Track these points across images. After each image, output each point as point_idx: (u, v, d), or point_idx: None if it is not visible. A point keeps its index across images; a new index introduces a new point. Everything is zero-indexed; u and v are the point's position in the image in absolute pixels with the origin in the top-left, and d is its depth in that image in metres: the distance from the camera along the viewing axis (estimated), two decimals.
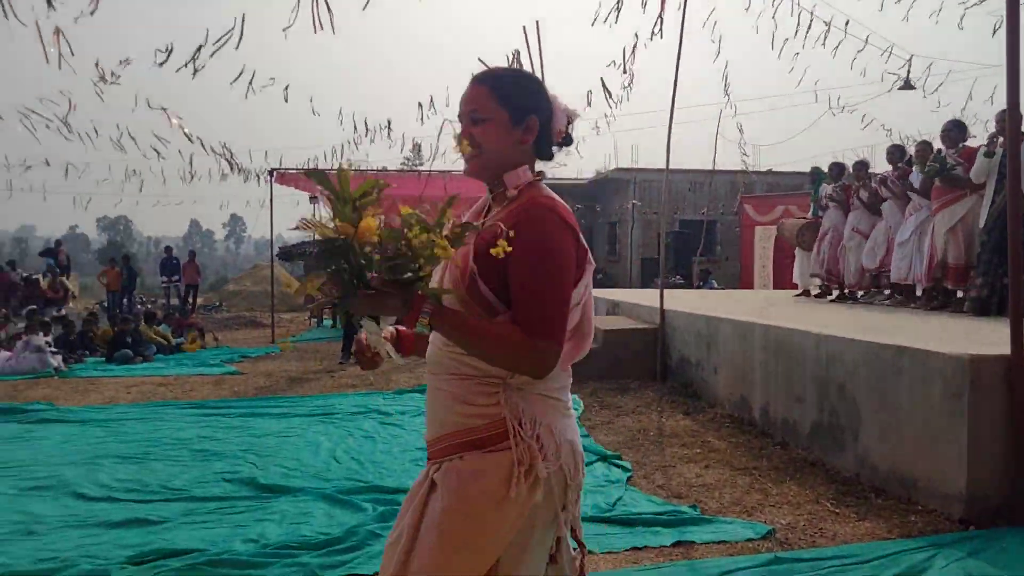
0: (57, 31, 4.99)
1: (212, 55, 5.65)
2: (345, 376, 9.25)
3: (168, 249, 21.00)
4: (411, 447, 5.72)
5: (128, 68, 6.86)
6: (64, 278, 19.19)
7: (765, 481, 4.61)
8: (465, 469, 1.59)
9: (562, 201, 1.66)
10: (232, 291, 24.49)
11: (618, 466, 5.05)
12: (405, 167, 17.11)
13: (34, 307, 13.98)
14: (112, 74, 6.31)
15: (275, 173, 13.26)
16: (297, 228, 1.60)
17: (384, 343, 1.63)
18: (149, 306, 17.89)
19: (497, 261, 1.48)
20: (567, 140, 1.77)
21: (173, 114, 8.36)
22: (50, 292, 17.86)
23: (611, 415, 6.47)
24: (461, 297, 1.58)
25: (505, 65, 2.14)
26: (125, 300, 18.57)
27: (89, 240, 78.72)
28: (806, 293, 9.83)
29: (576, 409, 6.64)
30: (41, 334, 10.54)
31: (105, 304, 18.65)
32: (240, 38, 5.03)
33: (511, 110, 1.65)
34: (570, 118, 1.75)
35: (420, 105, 7.82)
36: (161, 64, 5.68)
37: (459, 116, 1.69)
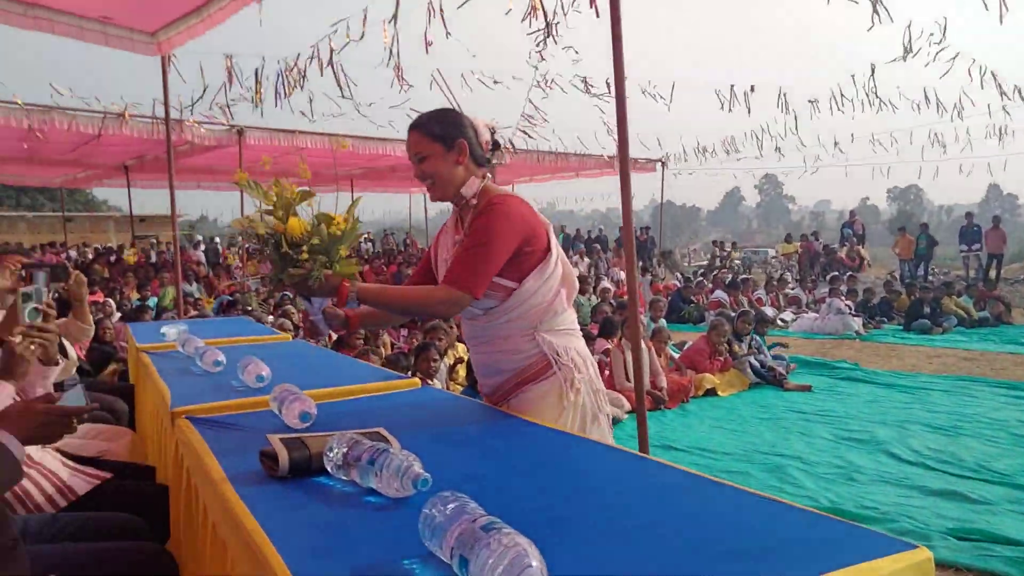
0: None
1: None
2: None
3: (969, 216, 19.51)
4: None
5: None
6: (860, 247, 20.13)
7: None
8: (533, 397, 2.10)
9: (514, 194, 2.12)
10: None
11: None
12: None
13: (836, 273, 15.09)
14: None
15: None
16: (231, 226, 1.91)
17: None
18: (943, 276, 17.09)
19: None
20: (495, 145, 2.18)
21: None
22: (847, 260, 19.00)
23: None
24: None
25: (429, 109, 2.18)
26: (920, 269, 18.23)
27: (879, 211, 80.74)
28: None
29: None
30: (843, 298, 11.29)
31: (896, 273, 18.70)
32: None
33: (442, 141, 2.05)
34: (492, 129, 2.17)
35: None
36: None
37: (409, 160, 2.11)
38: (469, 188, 2.10)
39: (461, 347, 6.41)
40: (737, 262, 21.84)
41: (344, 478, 1.45)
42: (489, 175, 2.17)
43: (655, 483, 1.46)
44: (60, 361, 2.50)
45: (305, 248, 1.89)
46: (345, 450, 1.45)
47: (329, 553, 1.13)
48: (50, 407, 1.61)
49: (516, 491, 1.41)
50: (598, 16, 3.82)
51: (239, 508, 1.31)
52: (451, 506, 1.07)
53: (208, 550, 1.58)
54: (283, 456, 1.47)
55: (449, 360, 5.80)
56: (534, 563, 0.90)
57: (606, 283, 12.60)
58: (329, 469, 1.47)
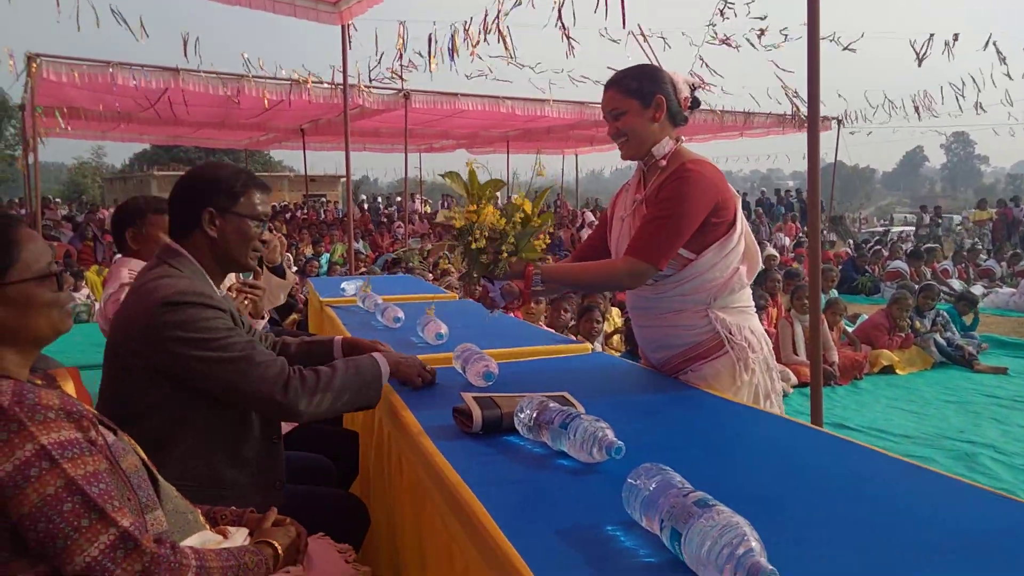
0: None
1: None
2: None
3: None
4: None
5: None
6: None
7: None
8: (706, 375, 2.04)
9: (707, 160, 2.01)
10: None
11: None
12: None
13: None
14: None
15: None
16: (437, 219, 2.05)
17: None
18: None
19: None
20: (695, 103, 2.10)
21: None
22: None
23: None
24: None
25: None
26: None
27: None
28: None
29: None
30: None
31: None
32: None
33: (639, 97, 2.00)
34: (693, 85, 2.09)
35: None
36: None
37: (604, 118, 2.08)
38: (661, 148, 2.04)
39: (616, 313, 6.36)
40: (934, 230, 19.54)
41: (534, 439, 1.49)
42: (683, 137, 2.10)
43: (856, 465, 1.38)
44: (265, 314, 2.76)
45: (496, 240, 1.91)
46: (535, 412, 1.48)
47: (531, 512, 1.16)
48: (414, 357, 2.00)
49: (711, 465, 1.38)
50: None
51: (441, 461, 1.38)
52: (657, 478, 1.06)
53: (404, 496, 1.69)
54: (477, 414, 1.53)
55: (607, 328, 5.78)
56: (754, 544, 0.88)
57: (770, 249, 11.99)
58: (519, 429, 1.51)
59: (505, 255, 1.92)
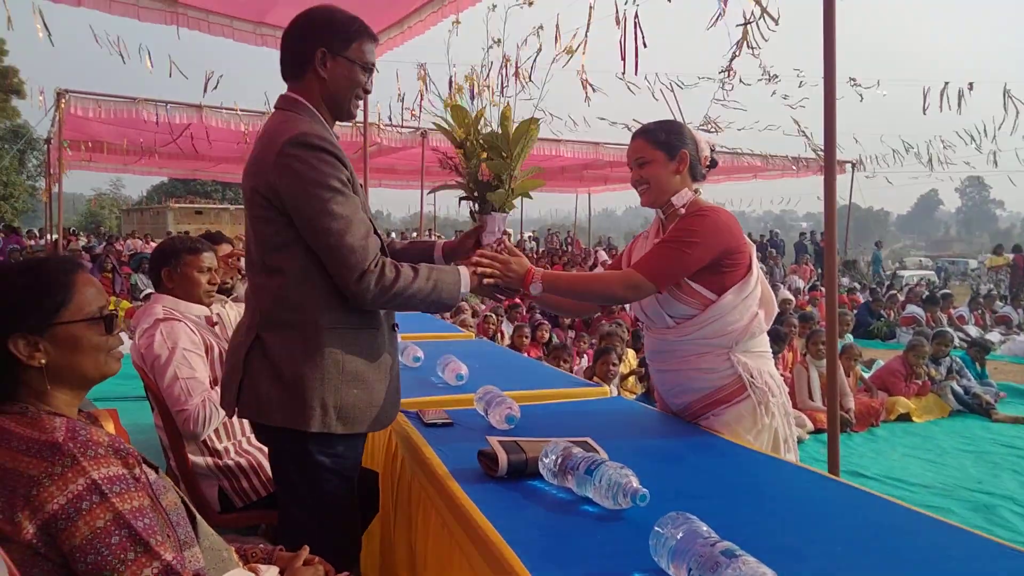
0: None
1: None
2: None
3: None
4: None
5: None
6: None
7: None
8: (728, 420, 2.08)
9: (723, 208, 2.15)
10: None
11: None
12: None
13: None
14: None
15: None
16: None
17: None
18: None
19: None
20: (713, 163, 2.26)
21: None
22: None
23: None
24: None
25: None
26: None
27: None
28: None
29: None
30: None
31: None
32: None
33: (665, 149, 2.14)
34: (713, 147, 2.24)
35: None
36: None
37: (629, 166, 2.21)
38: (680, 198, 2.16)
39: (631, 355, 6.36)
40: None
41: (558, 484, 1.51)
42: (700, 190, 2.18)
43: (877, 517, 1.40)
44: None
45: (495, 147, 2.00)
46: (560, 458, 1.50)
47: (560, 557, 1.19)
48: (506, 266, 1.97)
49: (734, 514, 1.39)
50: None
51: (468, 504, 1.41)
52: (683, 527, 1.08)
53: (428, 537, 1.71)
54: (503, 458, 1.56)
55: (623, 369, 5.79)
56: None
57: (785, 292, 11.99)
58: (544, 474, 1.54)
59: (507, 176, 2.00)
